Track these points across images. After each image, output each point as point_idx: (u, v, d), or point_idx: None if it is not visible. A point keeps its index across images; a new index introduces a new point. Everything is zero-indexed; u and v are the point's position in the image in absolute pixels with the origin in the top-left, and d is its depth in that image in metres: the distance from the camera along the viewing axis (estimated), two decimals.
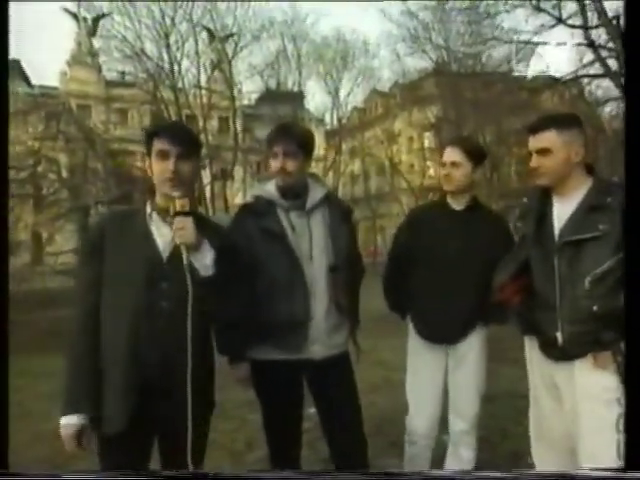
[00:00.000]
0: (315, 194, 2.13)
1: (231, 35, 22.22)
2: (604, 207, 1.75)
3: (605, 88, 12.68)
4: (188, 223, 1.63)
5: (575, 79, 11.98)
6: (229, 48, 22.31)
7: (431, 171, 27.53)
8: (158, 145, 1.69)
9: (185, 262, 1.63)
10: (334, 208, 2.16)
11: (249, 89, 26.87)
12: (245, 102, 27.31)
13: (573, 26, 10.16)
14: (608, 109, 12.86)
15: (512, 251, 2.06)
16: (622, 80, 10.35)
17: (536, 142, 1.89)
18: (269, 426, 2.10)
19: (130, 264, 1.66)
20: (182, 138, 1.71)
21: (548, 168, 1.86)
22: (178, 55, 20.58)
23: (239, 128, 24.12)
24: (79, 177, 14.20)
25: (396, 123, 30.45)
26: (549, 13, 10.00)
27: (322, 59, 27.48)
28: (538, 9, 9.96)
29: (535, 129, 1.89)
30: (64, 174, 14.03)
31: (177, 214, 1.64)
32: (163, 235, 1.71)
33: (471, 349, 2.42)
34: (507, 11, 10.31)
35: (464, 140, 2.63)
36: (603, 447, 1.68)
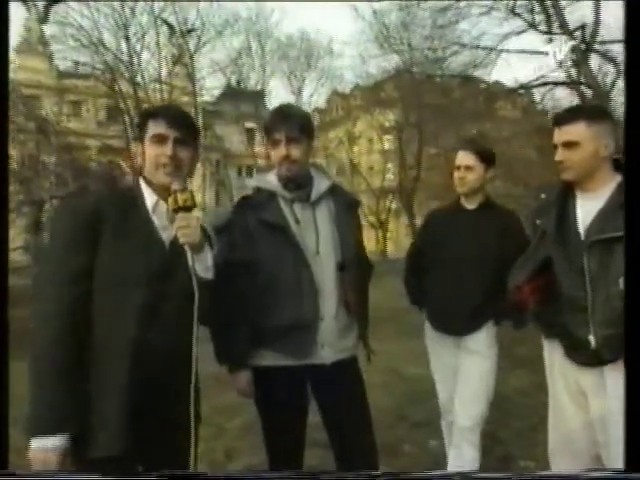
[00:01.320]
0: (320, 185, 1.96)
1: (193, 29, 21.66)
2: None
3: (563, 97, 13.07)
4: (193, 220, 1.48)
5: (536, 87, 12.25)
6: (191, 42, 21.72)
7: (390, 173, 27.84)
8: (154, 128, 1.54)
9: (190, 263, 1.47)
10: (340, 200, 2.00)
11: (211, 85, 26.13)
12: (206, 98, 26.70)
13: (541, 32, 10.37)
14: None
15: (529, 250, 1.96)
16: (582, 88, 10.70)
17: (563, 134, 1.79)
18: (271, 438, 1.91)
19: (132, 258, 1.46)
20: (181, 121, 1.57)
21: (575, 162, 1.77)
22: (138, 47, 19.87)
23: (200, 125, 23.56)
24: (31, 170, 13.38)
25: (357, 125, 30.56)
26: (523, 18, 10.17)
27: (286, 57, 27.25)
28: (513, 12, 10.11)
29: (562, 121, 1.80)
30: (14, 166, 13.20)
31: (179, 209, 1.47)
32: (165, 229, 1.54)
33: (481, 347, 2.43)
34: (482, 14, 10.41)
35: (475, 143, 2.72)
36: None
